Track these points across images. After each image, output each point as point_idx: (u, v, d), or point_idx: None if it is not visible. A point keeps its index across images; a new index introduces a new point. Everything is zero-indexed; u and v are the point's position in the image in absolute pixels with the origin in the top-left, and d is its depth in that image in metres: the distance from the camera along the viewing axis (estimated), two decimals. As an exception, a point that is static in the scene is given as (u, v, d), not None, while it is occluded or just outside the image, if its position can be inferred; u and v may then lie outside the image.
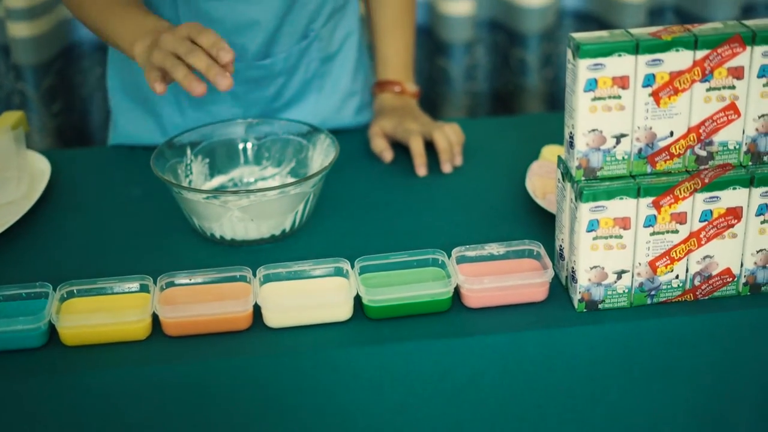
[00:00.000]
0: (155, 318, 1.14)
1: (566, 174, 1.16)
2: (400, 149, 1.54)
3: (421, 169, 1.47)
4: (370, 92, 1.67)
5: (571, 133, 1.13)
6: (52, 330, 1.14)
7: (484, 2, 2.32)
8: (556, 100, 2.40)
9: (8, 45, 2.19)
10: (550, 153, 1.45)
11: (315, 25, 1.55)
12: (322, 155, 1.37)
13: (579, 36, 1.11)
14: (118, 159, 1.59)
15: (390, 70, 1.63)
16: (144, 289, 1.18)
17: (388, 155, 1.51)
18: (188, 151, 1.39)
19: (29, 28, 2.15)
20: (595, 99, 1.10)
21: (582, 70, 1.09)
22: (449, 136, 1.50)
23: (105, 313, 1.14)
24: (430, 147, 1.52)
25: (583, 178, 1.13)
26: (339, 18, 1.60)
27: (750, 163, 1.16)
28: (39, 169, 1.47)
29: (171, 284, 1.18)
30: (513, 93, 2.36)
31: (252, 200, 1.25)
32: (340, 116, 1.62)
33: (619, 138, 1.12)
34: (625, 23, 2.26)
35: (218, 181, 1.42)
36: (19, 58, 2.17)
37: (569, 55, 1.12)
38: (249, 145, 1.43)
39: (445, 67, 2.30)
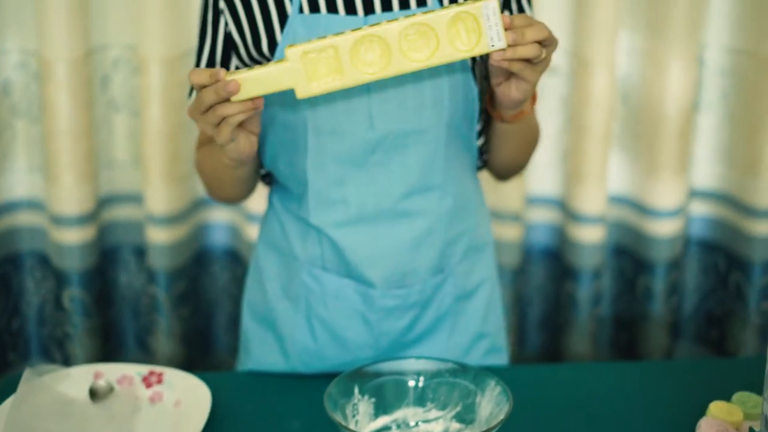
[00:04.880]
0: None
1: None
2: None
3: None
4: (502, 335, 1.65)
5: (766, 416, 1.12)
6: None
7: (612, 229, 2.33)
8: (679, 330, 2.39)
9: (146, 249, 2.24)
10: (719, 410, 1.42)
11: (450, 260, 1.55)
12: (491, 403, 1.35)
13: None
14: (269, 386, 1.58)
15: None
16: None
17: None
18: (356, 390, 1.38)
19: (167, 234, 2.20)
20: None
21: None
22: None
23: None
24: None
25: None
26: (476, 259, 1.59)
27: None
28: (199, 395, 1.47)
29: None
30: (637, 320, 2.34)
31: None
32: (469, 357, 1.60)
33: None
34: (752, 255, 2.25)
35: (382, 421, 1.40)
36: (155, 263, 2.22)
37: None
38: (418, 384, 1.41)
39: (572, 292, 2.30)
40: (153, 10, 2.07)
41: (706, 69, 2.25)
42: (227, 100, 1.26)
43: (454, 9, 1.26)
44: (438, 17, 1.26)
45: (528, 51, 1.27)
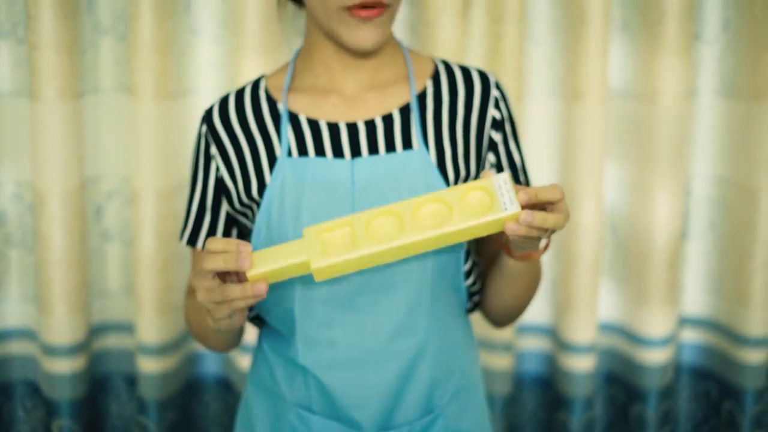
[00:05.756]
0: None
1: None
2: None
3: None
4: None
5: None
6: None
7: (603, 357, 2.33)
8: (674, 458, 2.37)
9: (136, 378, 2.23)
10: None
11: (440, 401, 1.53)
12: None
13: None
14: None
15: None
16: None
17: None
18: None
19: (158, 363, 2.20)
20: None
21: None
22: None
23: None
24: None
25: None
26: (468, 400, 1.57)
27: None
28: None
29: None
30: (631, 449, 2.33)
31: None
32: None
33: None
34: (744, 383, 2.25)
35: None
36: (146, 392, 2.21)
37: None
38: None
39: (564, 420, 2.29)
40: (147, 142, 2.10)
41: (693, 198, 2.28)
42: (237, 274, 1.30)
43: (467, 186, 1.31)
44: (451, 192, 1.31)
45: (540, 224, 1.29)
